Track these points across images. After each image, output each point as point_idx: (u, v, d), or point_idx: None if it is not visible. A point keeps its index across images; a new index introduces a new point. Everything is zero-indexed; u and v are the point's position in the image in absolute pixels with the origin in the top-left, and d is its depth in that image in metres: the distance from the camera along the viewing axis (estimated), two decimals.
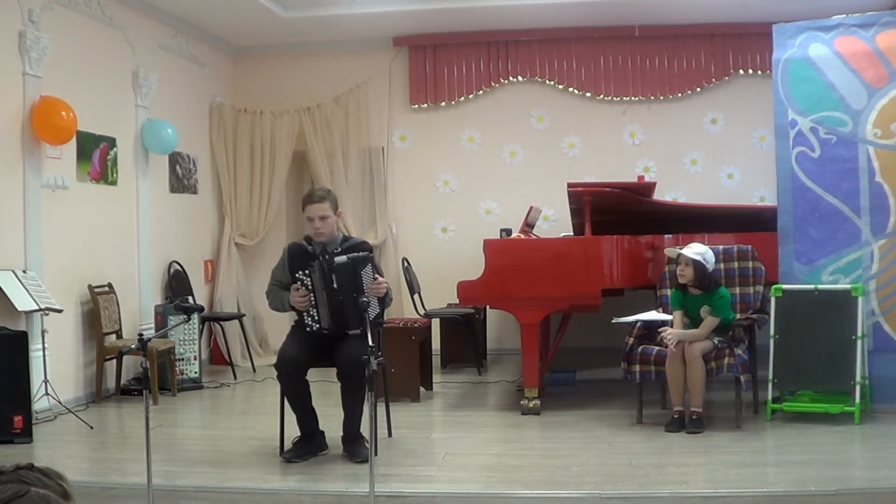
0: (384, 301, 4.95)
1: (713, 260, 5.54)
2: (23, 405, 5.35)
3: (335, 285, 4.81)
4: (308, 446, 4.96)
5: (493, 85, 8.99)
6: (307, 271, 4.86)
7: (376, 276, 4.87)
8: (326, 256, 4.86)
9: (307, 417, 5.00)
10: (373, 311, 4.78)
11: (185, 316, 6.54)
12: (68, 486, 1.39)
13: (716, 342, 5.39)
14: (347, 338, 4.86)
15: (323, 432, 5.05)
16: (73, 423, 5.77)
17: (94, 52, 6.83)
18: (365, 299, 4.56)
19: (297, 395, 4.93)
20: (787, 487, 4.17)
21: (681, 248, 5.58)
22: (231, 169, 8.86)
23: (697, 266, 5.44)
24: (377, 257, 8.81)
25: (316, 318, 4.89)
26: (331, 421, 6.06)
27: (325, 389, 7.13)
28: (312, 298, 4.86)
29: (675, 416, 5.36)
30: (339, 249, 4.90)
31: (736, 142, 8.77)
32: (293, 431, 5.26)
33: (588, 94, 8.90)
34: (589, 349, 7.92)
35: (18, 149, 5.96)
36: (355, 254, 4.86)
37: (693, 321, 5.51)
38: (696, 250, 5.49)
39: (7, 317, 5.64)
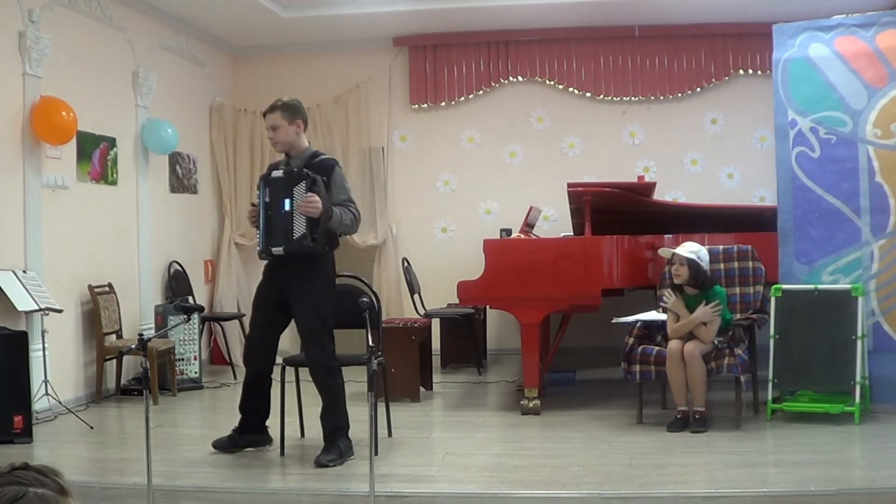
0: (319, 222, 4.64)
1: (707, 258, 5.52)
2: (23, 405, 5.35)
3: (267, 200, 4.71)
4: (244, 438, 5.00)
5: (493, 85, 8.98)
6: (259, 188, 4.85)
7: (308, 193, 4.62)
8: (269, 173, 4.81)
9: (256, 413, 5.00)
10: (298, 229, 4.64)
11: (186, 316, 6.56)
12: (65, 483, 1.39)
13: (715, 342, 5.38)
14: (302, 324, 4.81)
15: (266, 428, 5.06)
16: (73, 423, 5.77)
17: (94, 52, 6.83)
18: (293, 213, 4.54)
19: (253, 392, 4.97)
20: (787, 487, 4.17)
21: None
22: (231, 169, 8.87)
23: (692, 265, 5.42)
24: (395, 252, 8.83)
25: (259, 236, 4.83)
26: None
27: None
28: (260, 216, 4.78)
29: (679, 416, 5.36)
30: (302, 165, 4.80)
31: (736, 142, 8.77)
32: (293, 431, 5.27)
33: (588, 94, 8.90)
34: (589, 349, 7.92)
35: (18, 149, 5.96)
36: (293, 169, 4.74)
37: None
38: (690, 249, 5.46)
39: (7, 317, 5.64)
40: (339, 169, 4.88)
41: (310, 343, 4.83)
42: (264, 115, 4.86)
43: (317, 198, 4.61)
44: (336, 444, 4.79)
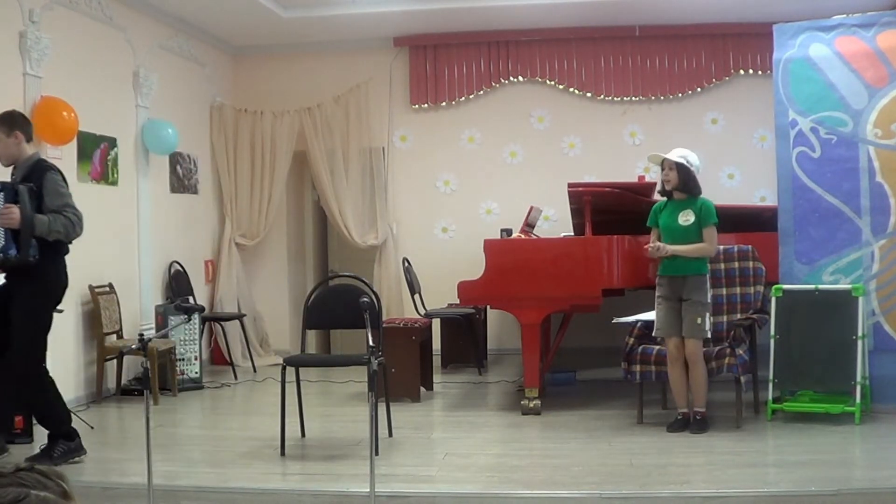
0: (21, 232, 4.50)
1: (698, 163, 5.48)
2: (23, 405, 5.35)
3: None
4: None
5: (494, 85, 8.98)
6: None
7: (6, 205, 4.48)
8: None
9: None
10: None
11: (186, 316, 6.53)
12: (69, 487, 1.38)
13: (707, 328, 5.32)
14: (14, 334, 4.66)
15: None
16: (73, 423, 5.75)
17: (94, 52, 6.83)
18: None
19: None
20: (787, 487, 4.18)
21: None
22: (231, 169, 8.86)
23: (681, 169, 5.39)
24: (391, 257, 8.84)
25: None
26: (329, 421, 6.06)
27: (325, 389, 7.15)
28: None
29: (679, 417, 5.36)
30: (24, 175, 4.69)
31: (736, 142, 8.77)
32: (294, 431, 5.27)
33: (588, 94, 8.90)
34: (589, 349, 7.92)
35: None
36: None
37: (672, 232, 5.42)
38: (679, 153, 5.44)
39: None
40: (53, 174, 4.71)
41: (17, 354, 4.69)
42: None
43: (14, 209, 4.48)
44: (51, 449, 4.76)
